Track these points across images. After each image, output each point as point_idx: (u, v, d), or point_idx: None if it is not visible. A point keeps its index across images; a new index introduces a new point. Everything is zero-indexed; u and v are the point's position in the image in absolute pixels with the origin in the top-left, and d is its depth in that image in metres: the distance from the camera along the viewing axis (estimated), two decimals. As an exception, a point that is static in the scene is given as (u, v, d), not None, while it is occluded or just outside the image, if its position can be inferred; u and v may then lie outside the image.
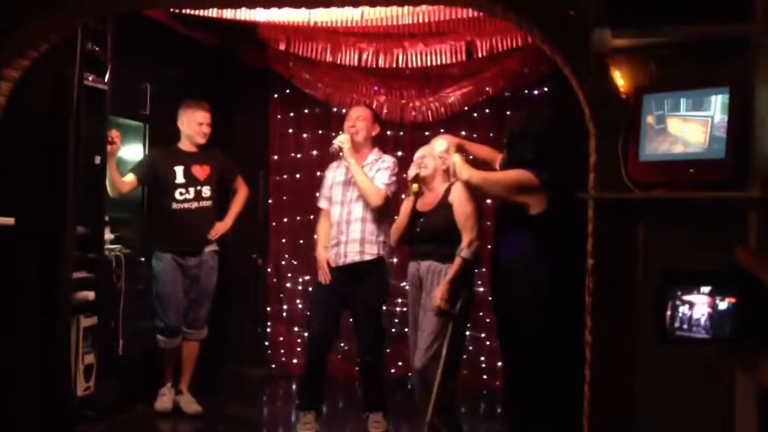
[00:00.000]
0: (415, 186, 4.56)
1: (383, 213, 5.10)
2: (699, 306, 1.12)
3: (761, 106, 2.99)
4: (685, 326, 1.13)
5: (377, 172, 5.08)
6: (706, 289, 1.12)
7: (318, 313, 5.18)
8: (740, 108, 3.10)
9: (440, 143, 4.69)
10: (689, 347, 1.18)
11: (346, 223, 5.08)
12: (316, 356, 5.16)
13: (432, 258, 4.51)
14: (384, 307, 5.44)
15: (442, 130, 6.36)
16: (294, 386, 6.42)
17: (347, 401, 6.16)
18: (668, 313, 1.13)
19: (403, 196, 4.76)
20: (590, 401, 3.47)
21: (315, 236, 5.44)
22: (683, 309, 1.12)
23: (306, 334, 5.76)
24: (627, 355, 3.38)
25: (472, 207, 4.46)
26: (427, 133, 6.45)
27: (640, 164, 3.33)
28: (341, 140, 5.08)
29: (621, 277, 3.40)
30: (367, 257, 5.03)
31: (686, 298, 1.12)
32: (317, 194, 5.52)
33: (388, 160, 5.21)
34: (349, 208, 5.09)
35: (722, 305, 1.11)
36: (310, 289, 6.66)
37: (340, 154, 5.13)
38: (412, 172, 4.59)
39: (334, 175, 5.28)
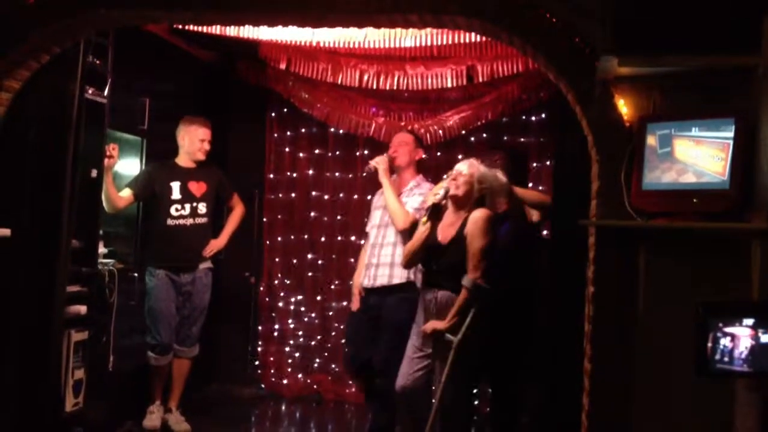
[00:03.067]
0: (423, 219, 4.36)
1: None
2: (741, 339, 1.09)
3: (766, 136, 2.99)
4: (726, 359, 1.11)
5: (412, 197, 5.06)
6: (749, 321, 1.10)
7: (352, 339, 5.26)
8: (745, 138, 3.10)
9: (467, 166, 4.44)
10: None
11: (379, 246, 5.11)
12: (359, 381, 5.26)
13: (449, 289, 4.26)
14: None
15: (438, 153, 6.40)
16: (284, 406, 6.40)
17: (336, 424, 6.10)
18: (709, 345, 1.11)
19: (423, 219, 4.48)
20: (588, 430, 3.44)
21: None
22: (724, 341, 1.10)
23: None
24: (626, 384, 3.35)
25: (483, 243, 4.19)
26: (424, 156, 6.45)
27: (643, 192, 3.32)
28: (377, 161, 5.10)
29: (621, 304, 3.38)
30: (396, 281, 4.97)
31: (728, 330, 1.10)
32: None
33: (426, 188, 5.16)
34: (384, 232, 5.12)
35: (765, 338, 1.09)
36: (304, 312, 6.71)
37: (373, 173, 5.14)
38: (431, 199, 4.38)
39: (376, 199, 5.36)
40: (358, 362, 5.14)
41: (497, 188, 4.40)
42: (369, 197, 6.16)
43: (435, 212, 4.37)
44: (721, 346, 1.06)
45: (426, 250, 4.40)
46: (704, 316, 1.06)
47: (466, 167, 4.40)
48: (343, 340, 6.30)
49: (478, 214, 4.26)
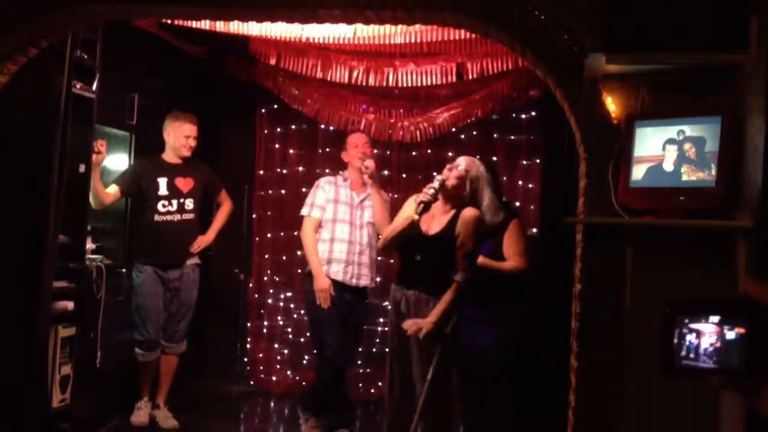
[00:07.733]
0: (415, 217, 4.17)
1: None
2: (706, 335, 1.09)
3: (753, 134, 3.00)
4: (692, 356, 1.11)
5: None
6: (714, 318, 1.10)
7: (333, 333, 5.07)
8: (732, 136, 3.11)
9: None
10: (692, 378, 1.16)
11: (358, 245, 5.18)
12: (335, 375, 5.15)
13: (421, 289, 4.18)
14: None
15: (429, 150, 6.40)
16: (272, 403, 6.39)
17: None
18: (675, 341, 1.11)
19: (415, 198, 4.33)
20: (574, 427, 3.45)
21: (302, 250, 5.36)
22: (690, 338, 1.09)
23: (316, 353, 5.45)
24: (612, 381, 3.36)
25: (473, 244, 4.15)
26: (414, 153, 6.47)
27: (630, 190, 3.33)
28: (372, 162, 5.13)
29: (608, 302, 3.39)
30: (372, 284, 5.32)
31: (694, 326, 1.10)
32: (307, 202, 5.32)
33: (385, 195, 5.35)
34: (361, 233, 5.20)
35: (730, 335, 1.09)
36: (293, 309, 6.67)
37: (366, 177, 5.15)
38: (422, 197, 4.21)
39: (335, 191, 5.23)
40: (341, 356, 5.13)
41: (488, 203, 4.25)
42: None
43: (426, 208, 4.23)
44: (687, 343, 1.06)
45: (408, 239, 4.26)
46: (670, 312, 1.07)
47: (465, 162, 4.28)
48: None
49: (470, 214, 4.15)
